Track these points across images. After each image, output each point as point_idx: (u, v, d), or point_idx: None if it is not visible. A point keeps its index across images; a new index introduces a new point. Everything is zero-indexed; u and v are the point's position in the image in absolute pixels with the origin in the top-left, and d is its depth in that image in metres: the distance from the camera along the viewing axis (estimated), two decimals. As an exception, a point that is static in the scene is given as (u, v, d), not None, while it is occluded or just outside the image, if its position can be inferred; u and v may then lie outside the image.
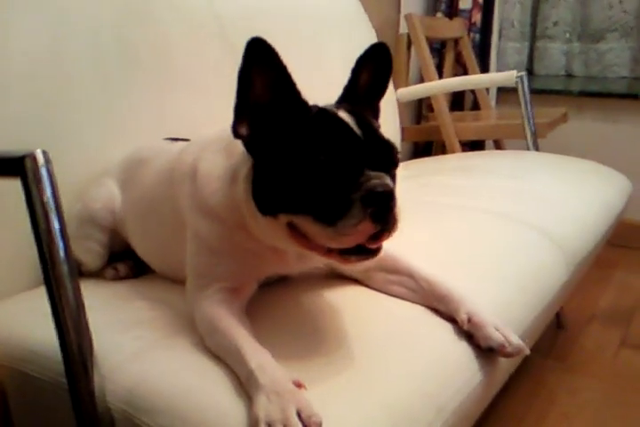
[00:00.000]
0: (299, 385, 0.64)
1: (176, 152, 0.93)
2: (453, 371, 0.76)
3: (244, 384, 0.66)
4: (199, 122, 1.31)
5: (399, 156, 0.73)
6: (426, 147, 2.67)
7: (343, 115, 0.70)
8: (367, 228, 0.64)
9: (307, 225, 0.67)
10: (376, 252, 0.69)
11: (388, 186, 0.65)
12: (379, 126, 0.75)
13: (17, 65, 1.04)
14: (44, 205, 0.65)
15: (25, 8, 1.06)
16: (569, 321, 1.80)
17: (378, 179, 0.65)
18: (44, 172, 0.65)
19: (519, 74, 1.78)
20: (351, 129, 0.68)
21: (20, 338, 0.83)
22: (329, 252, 0.69)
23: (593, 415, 1.41)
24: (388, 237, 0.67)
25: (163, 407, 0.66)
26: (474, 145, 2.56)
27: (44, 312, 0.88)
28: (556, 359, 1.65)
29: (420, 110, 2.70)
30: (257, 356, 0.67)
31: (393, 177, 0.71)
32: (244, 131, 0.72)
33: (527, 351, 0.78)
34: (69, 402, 0.70)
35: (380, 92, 0.79)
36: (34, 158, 0.65)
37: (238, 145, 0.75)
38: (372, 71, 0.76)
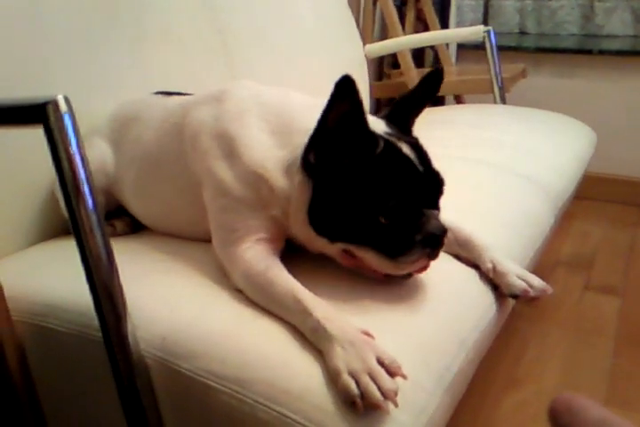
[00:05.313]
0: (367, 334, 0.64)
1: (176, 108, 0.90)
2: (470, 308, 0.80)
3: (310, 336, 0.65)
4: (178, 76, 1.29)
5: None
6: (389, 103, 2.68)
7: (407, 151, 0.73)
8: (423, 263, 0.73)
9: (365, 254, 0.72)
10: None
11: (443, 227, 0.72)
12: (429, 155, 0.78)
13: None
14: (68, 152, 0.63)
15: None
16: (537, 268, 1.87)
17: (435, 219, 0.72)
18: (67, 118, 0.63)
19: (486, 29, 1.81)
20: (416, 168, 0.73)
21: (36, 293, 0.81)
22: (377, 272, 0.74)
23: (563, 358, 1.48)
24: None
25: (200, 351, 0.66)
26: (434, 101, 2.59)
27: (57, 266, 0.87)
28: (527, 305, 1.72)
29: (380, 67, 2.70)
30: (320, 307, 0.66)
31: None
32: (312, 158, 0.73)
33: (551, 290, 0.81)
34: (94, 352, 0.70)
35: (422, 108, 0.82)
36: (56, 105, 0.63)
37: (293, 134, 0.77)
38: (423, 91, 0.80)
